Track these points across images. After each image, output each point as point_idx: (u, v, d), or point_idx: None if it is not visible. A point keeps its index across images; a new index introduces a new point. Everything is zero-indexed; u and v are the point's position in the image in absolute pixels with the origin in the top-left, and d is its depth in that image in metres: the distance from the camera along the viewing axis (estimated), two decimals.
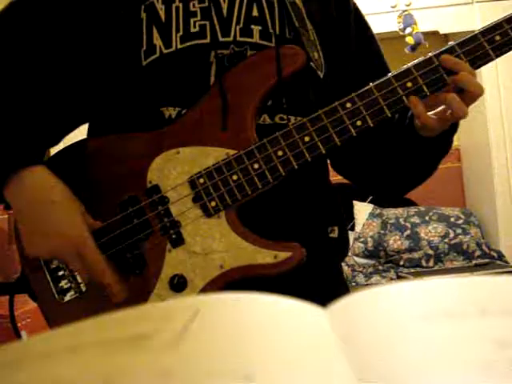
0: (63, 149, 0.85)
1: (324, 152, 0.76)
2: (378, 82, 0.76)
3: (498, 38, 0.75)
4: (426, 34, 2.74)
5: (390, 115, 0.76)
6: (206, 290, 0.74)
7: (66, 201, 0.75)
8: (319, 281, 0.82)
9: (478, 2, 2.75)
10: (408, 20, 2.75)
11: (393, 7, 2.82)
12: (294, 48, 0.78)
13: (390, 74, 0.77)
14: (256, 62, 0.78)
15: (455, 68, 0.75)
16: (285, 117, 0.80)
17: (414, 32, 2.74)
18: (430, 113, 0.77)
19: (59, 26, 0.82)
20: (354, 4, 0.94)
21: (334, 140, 0.75)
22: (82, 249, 0.73)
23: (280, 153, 0.75)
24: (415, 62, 0.76)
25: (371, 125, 0.76)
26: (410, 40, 2.74)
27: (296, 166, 0.75)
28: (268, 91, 0.77)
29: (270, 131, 0.76)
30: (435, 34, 2.83)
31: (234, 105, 0.77)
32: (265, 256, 0.73)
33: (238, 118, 0.77)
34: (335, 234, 0.86)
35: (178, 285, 0.75)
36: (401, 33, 2.77)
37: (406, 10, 2.79)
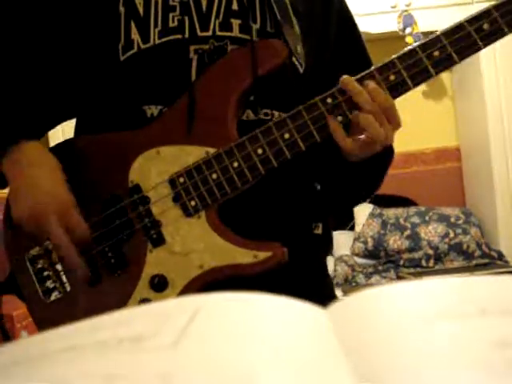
0: (48, 149, 0.84)
1: (304, 149, 0.74)
2: (359, 75, 0.74)
3: (486, 26, 0.74)
4: (426, 34, 2.74)
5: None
6: (186, 290, 0.74)
7: (57, 171, 0.76)
8: (303, 277, 0.82)
9: (477, 2, 2.75)
10: (408, 20, 2.76)
11: (393, 7, 2.82)
12: (274, 42, 0.77)
13: (372, 67, 0.75)
14: (234, 58, 0.77)
15: (354, 99, 0.73)
16: (269, 112, 0.79)
17: (413, 32, 2.74)
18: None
19: (37, 17, 0.82)
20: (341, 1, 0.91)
21: (314, 137, 0.74)
22: (67, 209, 0.73)
23: (260, 151, 0.74)
24: (398, 54, 0.74)
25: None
26: (409, 40, 2.74)
27: (276, 165, 0.74)
28: (248, 88, 0.76)
29: (255, 127, 0.75)
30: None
31: (212, 103, 0.76)
32: (244, 256, 0.73)
33: (218, 116, 0.76)
34: (319, 231, 0.86)
35: (159, 285, 0.75)
36: (401, 33, 2.78)
37: (405, 10, 2.79)
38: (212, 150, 0.75)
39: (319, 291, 0.85)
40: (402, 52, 0.75)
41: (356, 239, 2.94)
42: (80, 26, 0.81)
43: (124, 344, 0.20)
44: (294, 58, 0.80)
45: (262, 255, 0.72)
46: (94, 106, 0.84)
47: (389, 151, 0.83)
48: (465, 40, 0.74)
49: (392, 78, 0.74)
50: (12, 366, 0.21)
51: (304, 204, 0.85)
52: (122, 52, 0.78)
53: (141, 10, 0.79)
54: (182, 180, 0.76)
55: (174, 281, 0.75)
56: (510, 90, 2.83)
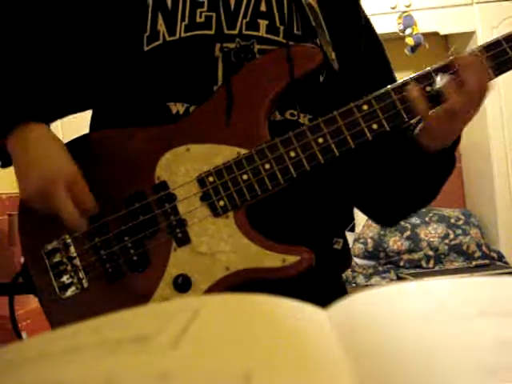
0: (70, 141, 0.84)
1: (338, 155, 0.74)
2: (396, 84, 0.74)
3: None
4: (426, 35, 2.74)
5: (407, 119, 0.74)
6: (210, 291, 0.73)
7: (63, 147, 0.75)
8: (320, 291, 0.81)
9: (477, 3, 2.75)
10: (408, 21, 2.75)
11: (392, 8, 2.82)
12: (311, 47, 0.76)
13: (410, 76, 0.75)
14: (270, 59, 0.77)
15: (463, 72, 0.72)
16: (295, 113, 0.79)
17: (413, 33, 2.74)
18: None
19: (63, 5, 0.82)
20: (365, 16, 0.92)
21: (348, 143, 0.74)
22: (74, 179, 0.72)
23: (292, 154, 0.74)
24: (436, 65, 0.74)
25: (387, 129, 0.74)
26: (409, 41, 2.74)
27: (308, 168, 0.74)
28: (282, 90, 0.76)
29: (281, 127, 0.75)
30: (435, 35, 2.83)
31: (245, 103, 0.75)
32: (272, 259, 0.72)
33: (250, 117, 0.75)
34: (339, 246, 0.85)
35: (182, 285, 0.74)
36: (401, 34, 2.77)
37: (405, 11, 2.79)
38: (243, 151, 0.74)
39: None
40: (439, 64, 0.74)
41: (356, 240, 2.93)
42: (106, 14, 0.81)
43: (124, 344, 0.20)
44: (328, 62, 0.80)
45: (291, 259, 0.71)
46: (114, 98, 0.83)
47: (452, 156, 0.83)
48: (502, 56, 0.74)
49: (428, 88, 0.73)
50: (12, 367, 0.21)
51: (329, 217, 0.84)
52: (147, 42, 0.78)
53: (169, 3, 0.79)
54: (211, 179, 0.75)
55: (198, 281, 0.73)
56: (510, 90, 2.83)
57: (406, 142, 0.81)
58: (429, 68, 0.75)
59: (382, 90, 0.74)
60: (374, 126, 0.74)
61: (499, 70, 0.74)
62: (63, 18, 0.82)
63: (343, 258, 0.88)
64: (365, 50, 0.90)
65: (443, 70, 0.74)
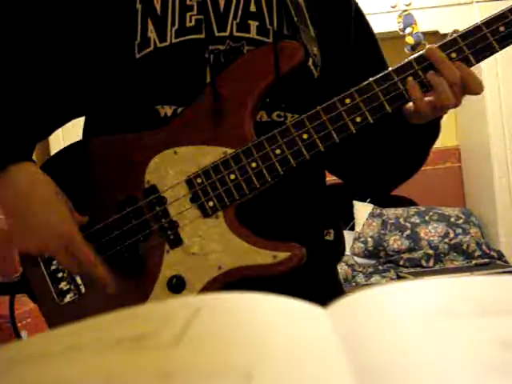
0: (62, 149, 0.84)
1: (323, 150, 0.74)
2: (377, 76, 0.74)
3: (502, 28, 0.73)
4: (426, 34, 2.74)
5: (390, 111, 0.74)
6: (204, 291, 0.74)
7: (53, 196, 0.75)
8: (314, 283, 0.81)
9: (477, 1, 2.75)
10: (408, 20, 2.75)
11: (393, 7, 2.82)
12: (292, 43, 0.76)
13: (390, 68, 0.75)
14: (253, 58, 0.77)
15: (437, 67, 0.73)
16: (282, 114, 0.79)
17: (413, 32, 2.74)
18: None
19: (51, 14, 0.81)
20: (357, 6, 0.92)
21: (332, 137, 0.74)
22: (71, 242, 0.73)
23: (278, 151, 0.74)
24: (415, 55, 0.75)
25: (371, 121, 0.74)
26: (409, 40, 2.74)
27: (294, 165, 0.74)
28: (266, 88, 0.76)
29: (268, 128, 0.75)
30: (435, 33, 2.83)
31: (230, 102, 0.76)
32: (264, 256, 0.72)
33: (236, 116, 0.75)
34: (331, 237, 0.85)
35: (177, 286, 0.74)
36: (401, 33, 2.77)
37: (405, 10, 2.79)
38: (230, 151, 0.75)
39: (329, 297, 0.83)
40: (419, 53, 0.75)
41: (356, 239, 2.94)
42: (96, 22, 0.80)
43: (124, 343, 0.20)
44: (309, 62, 0.80)
45: (282, 256, 0.72)
46: (105, 105, 0.83)
47: (438, 125, 0.84)
48: (481, 42, 0.74)
49: (410, 78, 0.74)
50: (12, 366, 0.21)
51: (317, 209, 0.85)
52: (138, 50, 0.78)
53: (158, 8, 0.78)
54: (199, 180, 0.75)
55: (192, 282, 0.74)
56: (510, 89, 2.83)
57: (392, 116, 0.80)
58: (410, 58, 0.75)
59: (365, 83, 0.75)
60: (358, 119, 0.74)
61: (480, 56, 0.74)
62: (54, 26, 0.81)
63: (336, 249, 0.88)
64: (355, 41, 0.89)
65: (421, 60, 0.74)
